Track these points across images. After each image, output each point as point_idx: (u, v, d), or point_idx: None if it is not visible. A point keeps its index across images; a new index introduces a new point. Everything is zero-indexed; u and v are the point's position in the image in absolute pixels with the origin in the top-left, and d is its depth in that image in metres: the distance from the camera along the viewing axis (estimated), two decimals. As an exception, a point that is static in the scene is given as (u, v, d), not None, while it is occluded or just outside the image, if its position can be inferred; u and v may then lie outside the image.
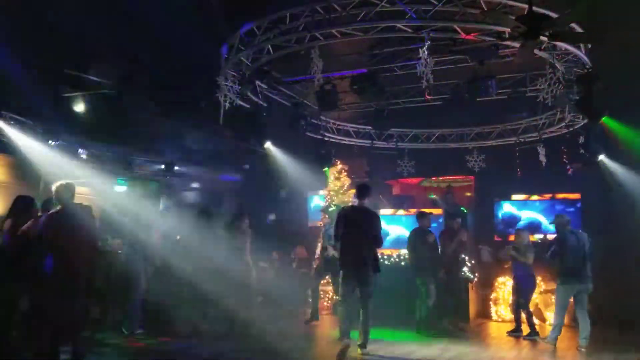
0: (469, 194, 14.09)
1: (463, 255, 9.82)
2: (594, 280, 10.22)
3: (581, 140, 10.36)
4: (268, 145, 11.77)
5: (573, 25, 7.28)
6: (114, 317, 8.86)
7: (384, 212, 12.10)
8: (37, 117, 10.79)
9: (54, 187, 6.16)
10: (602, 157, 10.67)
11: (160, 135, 12.56)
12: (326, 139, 11.97)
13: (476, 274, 10.37)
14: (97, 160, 13.06)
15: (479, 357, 7.45)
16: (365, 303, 6.96)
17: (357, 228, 6.97)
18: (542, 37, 6.67)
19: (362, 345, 6.93)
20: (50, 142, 11.30)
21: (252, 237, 8.63)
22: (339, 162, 12.42)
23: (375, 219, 7.10)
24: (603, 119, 9.17)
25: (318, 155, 11.59)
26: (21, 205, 6.55)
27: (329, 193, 12.46)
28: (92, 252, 6.33)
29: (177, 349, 7.44)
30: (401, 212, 11.84)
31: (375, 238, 7.03)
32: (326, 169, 12.33)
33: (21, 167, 12.68)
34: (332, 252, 8.88)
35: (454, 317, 9.29)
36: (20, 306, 6.56)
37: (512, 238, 9.95)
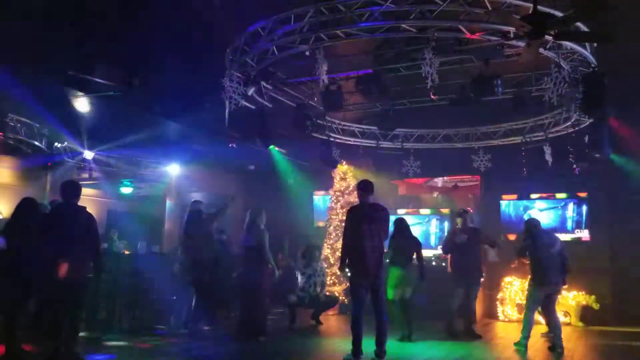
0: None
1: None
2: (601, 278, 10.22)
3: (587, 139, 10.34)
4: (273, 146, 11.81)
5: (578, 24, 7.26)
6: (121, 319, 8.90)
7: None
8: (43, 119, 10.86)
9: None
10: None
11: (165, 137, 12.59)
12: (331, 139, 11.98)
13: (483, 274, 10.33)
14: (103, 162, 13.14)
15: (485, 357, 7.44)
16: (380, 307, 6.53)
17: (370, 227, 6.53)
18: (547, 37, 6.65)
19: (379, 355, 6.40)
20: (56, 144, 11.38)
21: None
22: (344, 162, 12.44)
23: (387, 216, 6.76)
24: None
25: (323, 156, 11.62)
26: (25, 208, 6.53)
27: (334, 194, 12.49)
28: (87, 253, 6.10)
29: (182, 350, 7.46)
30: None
31: (384, 233, 6.69)
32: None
33: (27, 169, 12.77)
34: None
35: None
36: (28, 308, 6.57)
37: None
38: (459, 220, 9.04)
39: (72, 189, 6.26)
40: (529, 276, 7.86)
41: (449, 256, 9.31)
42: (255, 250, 7.80)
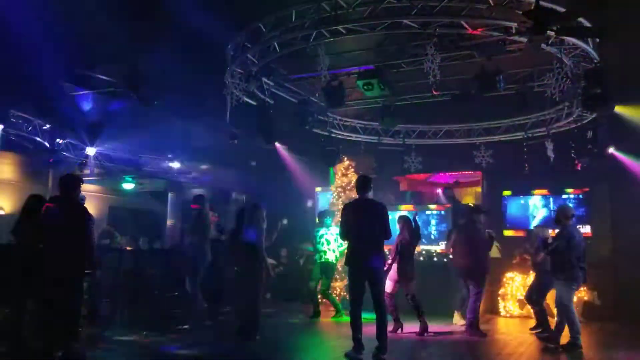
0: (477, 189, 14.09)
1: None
2: (604, 274, 10.23)
3: (589, 134, 10.32)
4: (275, 142, 11.81)
5: (580, 19, 7.24)
6: (123, 315, 8.92)
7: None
8: (45, 116, 10.88)
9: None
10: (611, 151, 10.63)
11: (167, 133, 12.61)
12: (333, 135, 11.97)
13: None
14: (105, 158, 13.16)
15: (487, 352, 7.45)
16: (378, 303, 6.52)
17: (364, 222, 6.58)
18: (549, 32, 6.64)
19: (381, 350, 6.39)
20: (58, 140, 11.39)
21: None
22: (345, 158, 12.44)
23: (383, 211, 6.73)
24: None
25: (325, 152, 11.62)
26: (33, 205, 6.52)
27: (336, 190, 12.48)
28: (79, 250, 5.99)
29: (182, 347, 7.47)
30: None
31: (384, 231, 6.65)
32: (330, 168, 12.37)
33: (29, 166, 12.79)
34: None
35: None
36: (29, 306, 6.58)
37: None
38: (479, 217, 8.92)
39: (69, 183, 6.25)
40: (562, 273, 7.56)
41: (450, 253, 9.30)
42: (253, 248, 7.74)
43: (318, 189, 13.70)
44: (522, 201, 12.25)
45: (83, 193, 7.50)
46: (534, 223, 11.68)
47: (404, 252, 8.54)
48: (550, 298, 8.60)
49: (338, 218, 11.90)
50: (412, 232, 8.69)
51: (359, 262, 6.58)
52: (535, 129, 11.76)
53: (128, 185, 14.91)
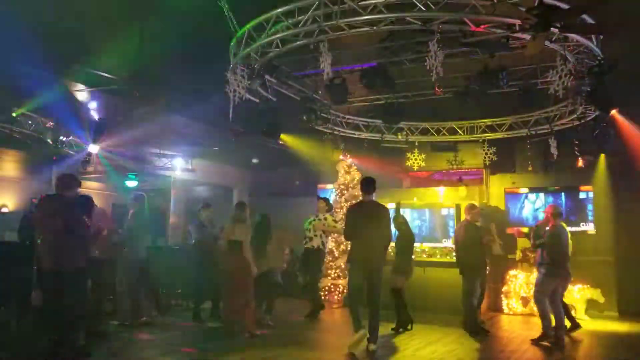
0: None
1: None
2: (607, 271, 10.23)
3: (592, 132, 10.28)
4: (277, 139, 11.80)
5: (584, 16, 7.21)
6: (127, 312, 8.92)
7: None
8: (48, 113, 10.90)
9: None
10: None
11: (170, 130, 12.61)
12: (336, 132, 11.96)
13: (487, 267, 10.30)
14: (108, 156, 13.17)
15: (490, 350, 7.44)
16: (373, 299, 6.76)
17: (367, 222, 6.79)
18: (553, 29, 6.61)
19: (371, 341, 6.67)
20: (62, 138, 11.41)
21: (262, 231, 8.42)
22: (348, 155, 12.43)
23: (386, 213, 6.98)
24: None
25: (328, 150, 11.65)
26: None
27: (339, 187, 12.48)
28: (78, 245, 6.04)
29: (186, 344, 7.48)
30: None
31: (386, 232, 6.93)
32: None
33: (33, 163, 12.82)
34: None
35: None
36: (33, 300, 6.60)
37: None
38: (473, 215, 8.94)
39: (65, 182, 6.25)
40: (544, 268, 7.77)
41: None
42: (239, 245, 7.73)
43: (329, 186, 13.70)
44: (525, 198, 12.22)
45: (87, 192, 7.54)
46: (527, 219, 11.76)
47: (401, 250, 8.79)
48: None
49: (340, 216, 11.97)
50: (408, 231, 8.98)
51: (361, 262, 6.80)
52: (538, 126, 11.73)
53: (131, 183, 14.92)
